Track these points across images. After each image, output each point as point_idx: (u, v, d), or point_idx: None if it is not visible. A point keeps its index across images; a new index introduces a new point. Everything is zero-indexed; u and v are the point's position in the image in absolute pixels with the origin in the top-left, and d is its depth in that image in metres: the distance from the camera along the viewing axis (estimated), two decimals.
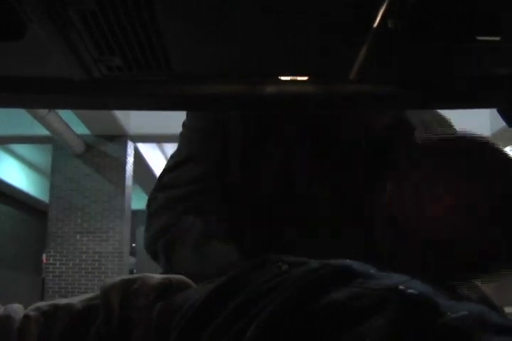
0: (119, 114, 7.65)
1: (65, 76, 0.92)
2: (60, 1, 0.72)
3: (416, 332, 0.44)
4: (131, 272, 11.64)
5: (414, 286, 0.48)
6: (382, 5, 0.72)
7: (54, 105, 1.03)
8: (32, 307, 0.64)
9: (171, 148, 9.94)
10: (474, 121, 7.75)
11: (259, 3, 0.73)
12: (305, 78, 0.93)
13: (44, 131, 8.41)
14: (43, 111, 7.41)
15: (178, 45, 0.84)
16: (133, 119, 7.85)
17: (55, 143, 9.29)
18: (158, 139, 8.56)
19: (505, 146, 9.06)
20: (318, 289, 0.50)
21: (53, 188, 9.75)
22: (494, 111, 1.02)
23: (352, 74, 0.90)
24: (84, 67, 0.87)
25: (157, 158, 10.39)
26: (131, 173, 9.60)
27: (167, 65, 0.88)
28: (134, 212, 10.52)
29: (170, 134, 7.48)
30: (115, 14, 0.75)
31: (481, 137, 0.93)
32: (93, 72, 0.89)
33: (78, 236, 9.70)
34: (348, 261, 0.53)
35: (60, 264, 9.84)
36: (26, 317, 0.61)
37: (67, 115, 8.09)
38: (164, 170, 1.19)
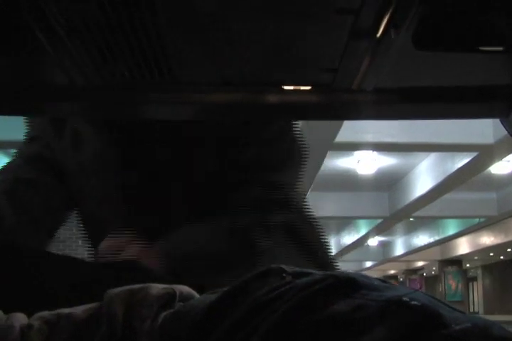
0: None
1: (68, 83, 0.92)
2: (64, 9, 0.73)
3: None
4: None
5: (417, 298, 0.48)
6: (385, 15, 0.72)
7: (57, 112, 1.03)
8: (35, 316, 0.64)
9: None
10: (477, 130, 7.76)
11: (261, 14, 0.74)
12: (308, 88, 0.93)
13: None
14: None
15: (181, 54, 0.84)
16: None
17: None
18: None
19: (508, 154, 9.04)
20: (321, 300, 0.50)
21: None
22: (497, 119, 1.03)
23: (355, 84, 0.90)
24: (88, 74, 0.88)
25: None
26: None
27: (170, 73, 0.88)
28: None
29: None
30: (119, 22, 0.75)
31: None
32: (96, 80, 0.90)
33: (80, 242, 9.69)
34: (352, 273, 0.53)
35: None
36: (29, 326, 0.61)
37: None
38: None
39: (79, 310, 0.64)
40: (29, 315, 0.66)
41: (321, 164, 8.92)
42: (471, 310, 25.51)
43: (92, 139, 1.09)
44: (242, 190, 0.98)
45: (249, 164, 1.01)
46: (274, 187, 1.02)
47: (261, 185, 1.00)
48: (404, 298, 0.48)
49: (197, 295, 0.66)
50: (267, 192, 1.00)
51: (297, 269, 0.57)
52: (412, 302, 0.47)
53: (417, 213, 13.31)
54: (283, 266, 0.57)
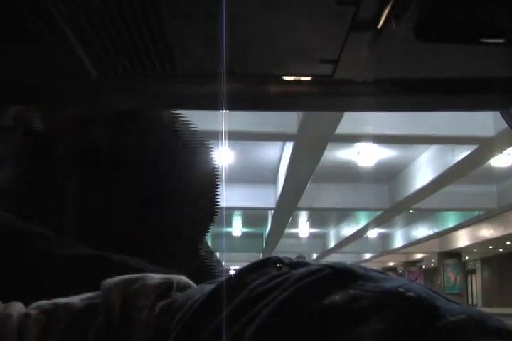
0: None
1: (68, 75, 0.92)
2: (66, 0, 0.72)
3: (414, 335, 0.45)
4: None
5: (413, 289, 0.48)
6: (386, 6, 0.72)
7: (56, 105, 1.03)
8: (33, 305, 0.64)
9: None
10: (478, 122, 7.76)
11: (263, 4, 0.74)
12: (308, 78, 0.93)
13: None
14: None
15: (183, 45, 0.84)
16: None
17: None
18: None
19: (509, 147, 9.05)
20: (317, 290, 0.50)
21: None
22: (497, 112, 1.02)
23: (355, 75, 0.90)
24: (88, 66, 0.88)
25: None
26: None
27: (171, 64, 0.88)
28: None
29: None
30: (120, 12, 0.75)
31: None
32: (97, 71, 0.89)
33: None
34: (349, 264, 0.53)
35: None
36: (27, 316, 0.61)
37: None
38: None
39: (76, 299, 0.64)
40: (27, 304, 0.66)
41: (322, 156, 8.93)
42: (470, 302, 25.61)
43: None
44: (152, 242, 0.99)
45: (166, 221, 1.03)
46: (184, 241, 1.05)
47: (173, 239, 1.03)
48: (401, 289, 0.48)
49: (194, 285, 0.66)
50: (178, 245, 1.02)
51: (294, 260, 0.57)
52: (408, 294, 0.48)
53: (417, 205, 13.35)
54: (280, 257, 0.58)
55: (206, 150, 1.08)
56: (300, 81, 0.94)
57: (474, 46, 0.81)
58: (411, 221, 19.22)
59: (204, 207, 1.06)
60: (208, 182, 1.06)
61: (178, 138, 1.05)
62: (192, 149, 1.04)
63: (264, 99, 0.99)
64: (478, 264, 26.79)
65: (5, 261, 0.86)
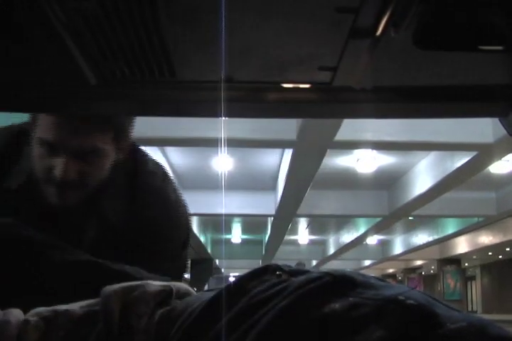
0: None
1: (69, 81, 0.92)
2: (65, 7, 0.72)
3: None
4: None
5: (413, 297, 0.48)
6: (385, 14, 0.72)
7: (56, 110, 1.03)
8: (32, 312, 0.64)
9: (173, 151, 9.93)
10: (477, 129, 7.75)
11: (262, 12, 0.74)
12: (307, 86, 0.93)
13: None
14: None
15: (181, 51, 0.84)
16: (135, 122, 7.86)
17: None
18: (160, 142, 8.56)
19: (508, 154, 9.04)
20: (317, 298, 0.50)
21: None
22: (496, 118, 1.02)
23: (354, 82, 0.90)
24: (88, 72, 0.88)
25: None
26: None
27: (170, 71, 0.88)
28: None
29: (172, 138, 7.47)
30: (120, 20, 0.75)
31: None
32: (96, 78, 0.90)
33: None
34: (348, 271, 0.53)
35: None
36: (26, 322, 0.61)
37: None
38: None
39: (76, 306, 0.64)
40: (28, 308, 0.66)
41: (321, 162, 8.91)
42: (470, 309, 25.51)
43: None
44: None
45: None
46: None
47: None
48: (400, 297, 0.48)
49: (194, 293, 0.66)
50: None
51: (293, 267, 0.57)
52: (408, 301, 0.47)
53: (417, 212, 13.30)
54: (280, 264, 0.57)
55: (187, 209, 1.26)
56: (299, 88, 0.94)
57: (473, 54, 0.81)
58: (410, 227, 19.17)
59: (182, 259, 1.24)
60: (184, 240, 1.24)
61: (172, 206, 1.23)
62: (181, 215, 1.23)
63: (263, 106, 0.99)
64: (478, 271, 26.70)
65: (7, 265, 0.86)
